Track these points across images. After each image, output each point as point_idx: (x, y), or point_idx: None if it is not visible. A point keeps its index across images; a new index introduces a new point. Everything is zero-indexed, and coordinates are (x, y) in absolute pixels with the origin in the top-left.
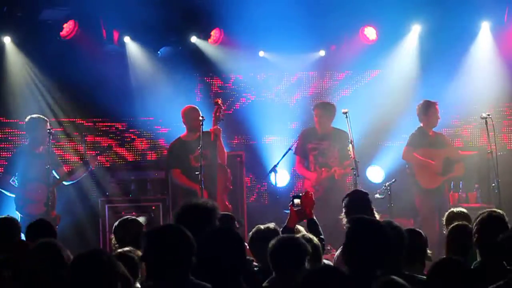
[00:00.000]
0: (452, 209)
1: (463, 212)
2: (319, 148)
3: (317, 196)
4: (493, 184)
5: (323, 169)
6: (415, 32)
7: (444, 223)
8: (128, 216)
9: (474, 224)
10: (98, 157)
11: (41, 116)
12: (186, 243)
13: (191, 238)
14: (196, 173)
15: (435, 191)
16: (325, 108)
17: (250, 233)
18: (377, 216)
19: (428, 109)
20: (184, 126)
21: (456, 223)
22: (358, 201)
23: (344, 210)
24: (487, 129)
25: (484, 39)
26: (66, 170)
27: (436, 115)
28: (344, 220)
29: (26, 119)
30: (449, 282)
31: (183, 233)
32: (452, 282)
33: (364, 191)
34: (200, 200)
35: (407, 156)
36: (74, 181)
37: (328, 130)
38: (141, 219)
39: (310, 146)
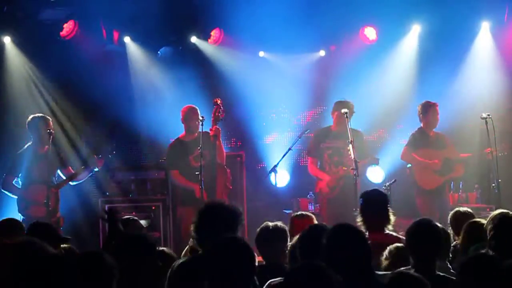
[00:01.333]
0: (458, 209)
1: (469, 212)
2: (333, 147)
3: (334, 195)
4: (493, 184)
5: (339, 167)
6: (415, 32)
7: (449, 222)
8: (130, 216)
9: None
10: (103, 158)
11: (44, 115)
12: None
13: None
14: (196, 173)
15: (435, 191)
16: (345, 107)
17: (258, 229)
18: (392, 217)
19: (427, 110)
20: (183, 126)
21: (473, 219)
22: (374, 201)
23: (359, 208)
24: (487, 129)
25: (484, 39)
26: (71, 170)
27: (436, 116)
28: (359, 219)
29: (29, 119)
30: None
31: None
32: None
33: (382, 191)
34: (226, 203)
35: (406, 157)
36: (79, 182)
37: (343, 129)
38: (143, 222)
39: (324, 145)
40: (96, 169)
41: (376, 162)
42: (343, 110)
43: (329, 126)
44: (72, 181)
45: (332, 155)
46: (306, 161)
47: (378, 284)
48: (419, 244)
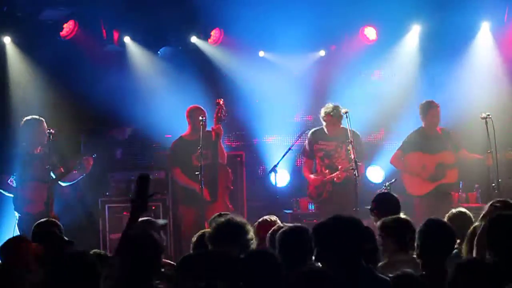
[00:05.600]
0: (451, 210)
1: (461, 212)
2: (325, 149)
3: (322, 198)
4: (493, 184)
5: (326, 171)
6: (415, 32)
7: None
8: (148, 218)
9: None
10: (91, 158)
11: (37, 117)
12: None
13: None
14: (196, 173)
15: (425, 197)
16: (331, 111)
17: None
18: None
19: (427, 111)
20: (188, 125)
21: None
22: (387, 203)
23: (374, 212)
24: (487, 129)
25: (484, 39)
26: (62, 170)
27: (435, 117)
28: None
29: (22, 121)
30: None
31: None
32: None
33: (391, 193)
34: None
35: (394, 161)
36: (71, 183)
37: (337, 131)
38: (161, 221)
39: (317, 147)
40: (86, 170)
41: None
42: (343, 110)
43: (322, 127)
44: (64, 181)
45: (323, 157)
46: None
47: (367, 273)
48: (428, 243)
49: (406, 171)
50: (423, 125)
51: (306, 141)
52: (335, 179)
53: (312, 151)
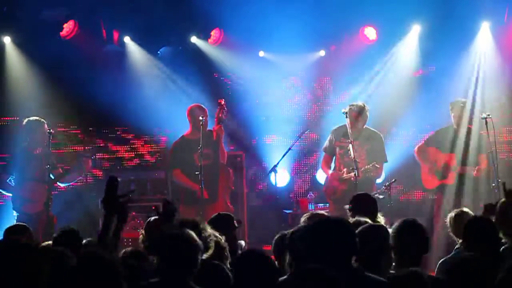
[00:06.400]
0: (454, 210)
1: (464, 212)
2: (345, 147)
3: (336, 197)
4: (493, 184)
5: (344, 169)
6: (415, 32)
7: (448, 225)
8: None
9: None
10: (90, 160)
11: (39, 118)
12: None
13: (198, 243)
14: (196, 173)
15: (435, 191)
16: (358, 110)
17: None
18: (382, 219)
19: (452, 109)
20: (189, 124)
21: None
22: (363, 204)
23: (349, 213)
24: (487, 129)
25: (484, 39)
26: (60, 171)
27: (459, 116)
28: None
29: (24, 122)
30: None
31: (191, 238)
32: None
33: (368, 194)
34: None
35: (416, 152)
36: (69, 184)
37: (359, 130)
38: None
39: (338, 144)
40: (86, 171)
41: (376, 171)
42: (343, 110)
43: (345, 124)
44: (63, 181)
45: (343, 155)
46: (305, 161)
47: (356, 274)
48: (403, 243)
49: (421, 162)
50: (452, 123)
51: (328, 137)
52: (351, 178)
53: (333, 148)
